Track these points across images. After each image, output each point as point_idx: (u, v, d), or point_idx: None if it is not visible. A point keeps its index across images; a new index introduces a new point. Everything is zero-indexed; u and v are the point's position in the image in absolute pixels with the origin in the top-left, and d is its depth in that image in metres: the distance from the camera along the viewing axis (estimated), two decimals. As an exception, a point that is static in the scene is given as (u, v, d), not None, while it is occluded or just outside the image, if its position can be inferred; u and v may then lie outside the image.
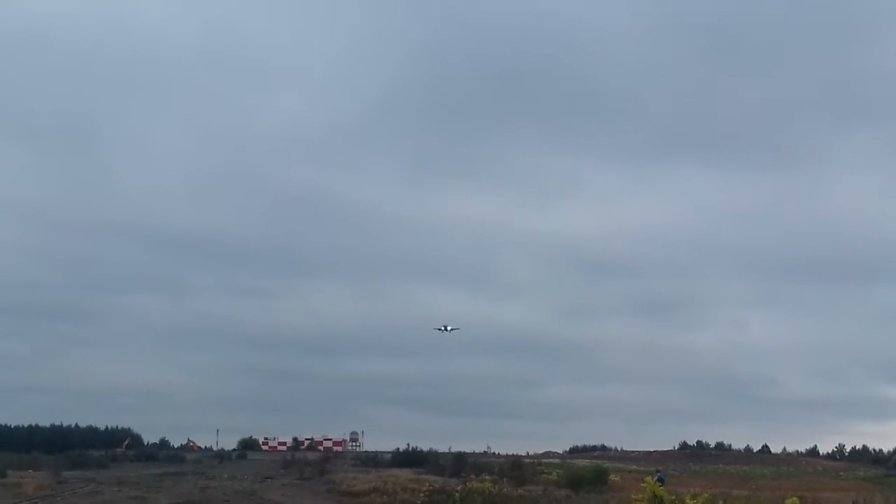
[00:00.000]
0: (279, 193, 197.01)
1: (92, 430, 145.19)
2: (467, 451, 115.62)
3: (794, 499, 42.03)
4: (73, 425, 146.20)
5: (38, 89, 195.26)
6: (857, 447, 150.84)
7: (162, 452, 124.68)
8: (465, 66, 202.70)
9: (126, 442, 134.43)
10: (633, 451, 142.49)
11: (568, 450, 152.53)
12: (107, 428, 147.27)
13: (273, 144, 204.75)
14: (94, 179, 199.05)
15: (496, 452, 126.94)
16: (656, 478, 38.00)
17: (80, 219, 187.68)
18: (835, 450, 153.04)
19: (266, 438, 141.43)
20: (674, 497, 37.85)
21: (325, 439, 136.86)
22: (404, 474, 71.81)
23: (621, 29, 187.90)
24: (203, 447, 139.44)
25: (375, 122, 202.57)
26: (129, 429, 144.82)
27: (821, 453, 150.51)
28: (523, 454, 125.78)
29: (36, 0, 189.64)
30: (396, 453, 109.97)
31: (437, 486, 56.20)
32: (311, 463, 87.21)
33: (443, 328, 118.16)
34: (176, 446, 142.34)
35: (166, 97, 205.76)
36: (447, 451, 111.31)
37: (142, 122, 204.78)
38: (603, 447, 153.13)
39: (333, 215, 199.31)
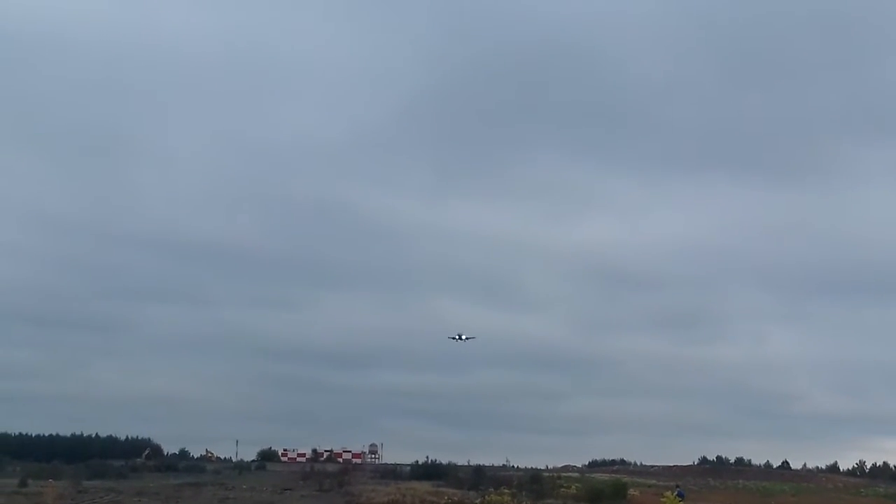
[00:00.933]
0: (299, 204, 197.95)
1: (112, 440, 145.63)
2: (486, 464, 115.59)
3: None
4: (93, 435, 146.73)
5: (58, 99, 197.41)
6: (878, 463, 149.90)
7: (181, 463, 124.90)
8: (486, 77, 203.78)
9: (146, 452, 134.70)
10: (652, 466, 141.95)
11: (587, 464, 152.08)
12: (127, 438, 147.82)
13: (295, 155, 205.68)
14: (116, 190, 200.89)
15: (515, 466, 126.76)
16: (676, 493, 37.95)
17: (101, 229, 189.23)
18: (855, 466, 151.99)
19: (285, 450, 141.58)
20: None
21: (344, 451, 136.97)
22: (423, 487, 71.77)
23: (645, 42, 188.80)
24: (221, 458, 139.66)
25: (397, 132, 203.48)
26: (148, 439, 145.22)
27: (841, 469, 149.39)
28: (542, 468, 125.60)
29: (57, 10, 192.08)
30: (416, 466, 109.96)
31: (456, 499, 56.29)
32: (331, 475, 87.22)
33: (457, 337, 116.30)
34: (195, 457, 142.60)
35: (188, 107, 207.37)
36: (466, 464, 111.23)
37: (164, 132, 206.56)
38: (622, 461, 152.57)
39: (355, 226, 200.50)
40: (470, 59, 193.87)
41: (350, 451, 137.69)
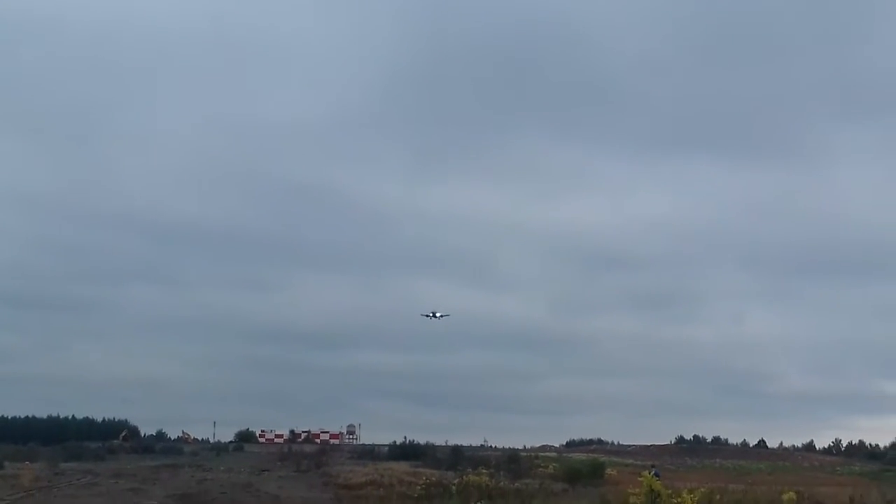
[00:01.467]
0: (280, 184, 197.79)
1: (89, 422, 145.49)
2: (464, 444, 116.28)
3: (791, 493, 42.03)
4: (70, 417, 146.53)
5: (40, 79, 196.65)
6: (854, 442, 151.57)
7: (158, 444, 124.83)
8: (469, 56, 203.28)
9: (123, 434, 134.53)
10: (629, 446, 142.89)
11: (565, 443, 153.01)
12: (104, 420, 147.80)
13: (274, 135, 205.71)
14: (95, 170, 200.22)
15: (493, 446, 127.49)
16: (652, 473, 38.09)
17: (80, 209, 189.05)
18: (831, 444, 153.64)
19: (263, 431, 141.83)
20: (670, 492, 37.92)
21: (322, 432, 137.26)
22: (401, 467, 71.74)
23: (628, 21, 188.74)
24: (199, 439, 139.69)
25: (378, 113, 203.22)
26: (125, 421, 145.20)
27: (817, 448, 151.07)
28: (520, 448, 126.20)
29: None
30: (393, 446, 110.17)
31: (434, 479, 56.16)
32: (308, 455, 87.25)
33: (431, 315, 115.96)
34: (173, 438, 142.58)
35: (170, 87, 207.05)
36: (444, 444, 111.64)
37: (145, 112, 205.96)
38: (600, 441, 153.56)
39: (334, 207, 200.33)
40: (453, 38, 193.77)
41: (328, 432, 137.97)
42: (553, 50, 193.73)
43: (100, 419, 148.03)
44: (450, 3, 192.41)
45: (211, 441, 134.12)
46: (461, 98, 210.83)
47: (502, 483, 54.21)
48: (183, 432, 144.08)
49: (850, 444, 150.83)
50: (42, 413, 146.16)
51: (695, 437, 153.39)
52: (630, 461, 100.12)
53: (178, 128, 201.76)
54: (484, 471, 60.88)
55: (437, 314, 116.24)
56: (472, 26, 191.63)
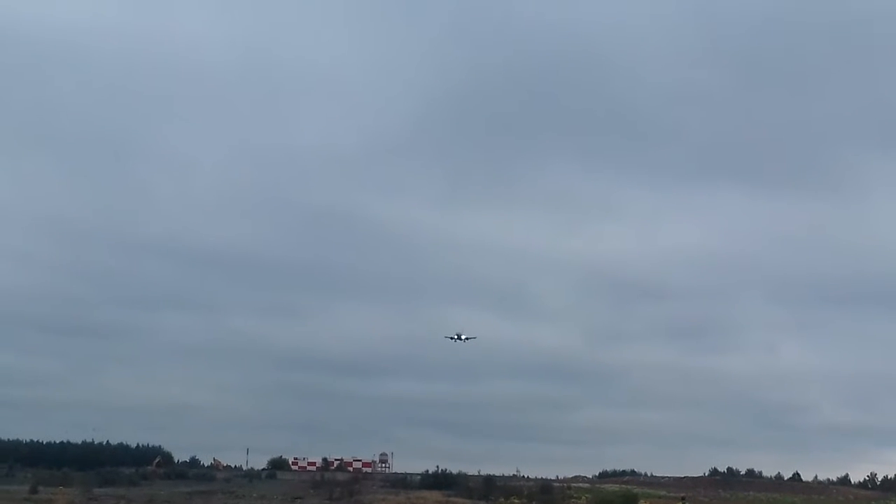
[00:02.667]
0: (313, 212, 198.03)
1: (123, 448, 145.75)
2: (496, 473, 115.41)
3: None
4: (104, 442, 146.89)
5: (74, 106, 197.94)
6: (890, 476, 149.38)
7: (192, 471, 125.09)
8: (500, 87, 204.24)
9: (156, 460, 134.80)
10: (663, 477, 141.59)
11: (598, 474, 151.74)
12: (138, 445, 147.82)
13: (308, 163, 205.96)
14: (130, 197, 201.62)
15: (525, 476, 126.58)
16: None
17: (115, 236, 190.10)
18: (867, 478, 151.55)
19: (296, 458, 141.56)
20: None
21: (354, 460, 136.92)
22: (433, 496, 71.86)
23: (658, 52, 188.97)
24: (232, 466, 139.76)
25: (411, 141, 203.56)
26: (159, 446, 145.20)
27: (852, 482, 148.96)
28: (552, 478, 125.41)
29: (73, 18, 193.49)
30: (426, 475, 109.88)
31: (466, 508, 56.22)
32: (341, 483, 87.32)
33: (455, 337, 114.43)
34: (206, 465, 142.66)
35: (203, 115, 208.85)
36: (476, 473, 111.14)
37: (178, 140, 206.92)
38: (633, 472, 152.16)
39: (367, 235, 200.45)
40: (483, 68, 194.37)
41: (360, 460, 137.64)
42: (583, 80, 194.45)
43: (134, 445, 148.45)
44: (482, 34, 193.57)
45: (244, 468, 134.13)
46: (492, 128, 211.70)
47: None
48: (214, 459, 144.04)
49: (885, 478, 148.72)
50: (77, 438, 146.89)
51: (728, 469, 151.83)
52: (663, 492, 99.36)
53: (211, 155, 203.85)
54: (516, 500, 60.89)
55: (463, 336, 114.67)
56: (503, 57, 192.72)
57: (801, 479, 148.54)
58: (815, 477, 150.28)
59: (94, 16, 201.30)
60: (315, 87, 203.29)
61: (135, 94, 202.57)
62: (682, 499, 57.88)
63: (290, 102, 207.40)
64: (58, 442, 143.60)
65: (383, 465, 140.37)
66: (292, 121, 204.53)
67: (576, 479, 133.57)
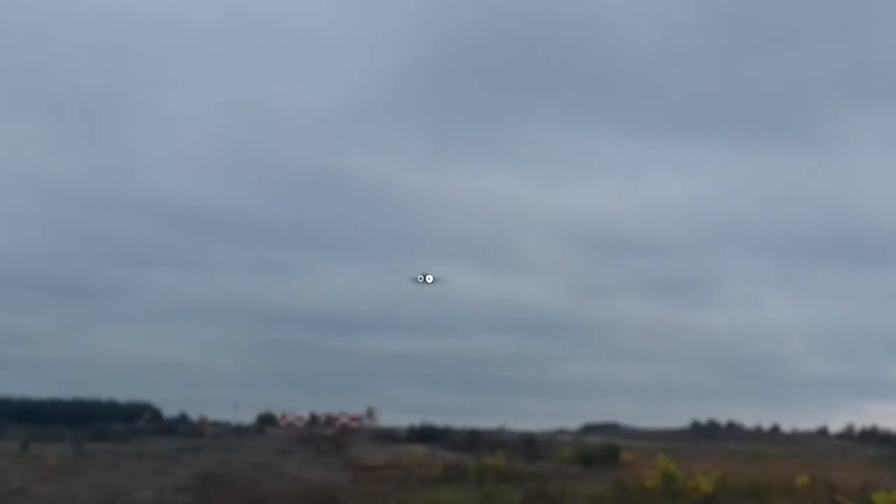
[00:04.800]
0: (299, 169, 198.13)
1: (112, 404, 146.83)
2: (481, 427, 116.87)
3: (805, 477, 42.84)
4: (94, 399, 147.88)
5: (60, 65, 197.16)
6: (867, 427, 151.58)
7: (181, 427, 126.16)
8: (485, 43, 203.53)
9: (146, 416, 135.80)
10: (645, 429, 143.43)
11: (581, 427, 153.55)
12: (127, 402, 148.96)
13: (294, 120, 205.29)
14: (116, 155, 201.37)
15: (510, 429, 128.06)
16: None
17: (101, 194, 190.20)
18: (845, 429, 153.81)
19: (284, 413, 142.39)
20: (685, 475, 38.83)
21: (341, 415, 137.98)
22: (419, 450, 72.55)
23: (640, 7, 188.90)
24: (219, 422, 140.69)
25: (395, 98, 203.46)
26: (148, 403, 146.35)
27: (831, 432, 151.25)
28: (536, 431, 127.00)
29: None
30: (412, 429, 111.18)
31: (452, 461, 57.20)
32: (328, 438, 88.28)
33: (422, 278, 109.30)
34: (195, 420, 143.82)
35: (188, 72, 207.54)
36: (462, 427, 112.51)
37: (164, 98, 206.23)
38: (616, 425, 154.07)
39: (353, 192, 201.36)
40: (468, 24, 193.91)
41: (347, 415, 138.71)
42: (567, 36, 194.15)
43: (123, 401, 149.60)
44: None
45: (232, 423, 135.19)
46: (476, 84, 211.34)
47: (519, 466, 55.14)
48: (200, 415, 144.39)
49: (863, 429, 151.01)
50: (67, 395, 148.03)
51: (710, 421, 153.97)
52: (645, 444, 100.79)
53: (198, 113, 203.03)
54: (501, 454, 61.74)
55: (430, 278, 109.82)
56: (486, 13, 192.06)
57: (780, 431, 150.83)
58: (795, 428, 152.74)
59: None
60: (301, 44, 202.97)
61: (121, 52, 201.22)
62: (664, 451, 59.01)
63: (275, 60, 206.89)
64: (48, 399, 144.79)
65: (370, 419, 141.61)
66: (277, 78, 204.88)
67: (559, 432, 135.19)
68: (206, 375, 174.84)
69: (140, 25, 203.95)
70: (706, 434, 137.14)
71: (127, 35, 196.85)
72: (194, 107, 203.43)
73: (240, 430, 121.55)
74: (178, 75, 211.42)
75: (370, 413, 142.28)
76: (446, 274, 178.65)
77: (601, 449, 74.85)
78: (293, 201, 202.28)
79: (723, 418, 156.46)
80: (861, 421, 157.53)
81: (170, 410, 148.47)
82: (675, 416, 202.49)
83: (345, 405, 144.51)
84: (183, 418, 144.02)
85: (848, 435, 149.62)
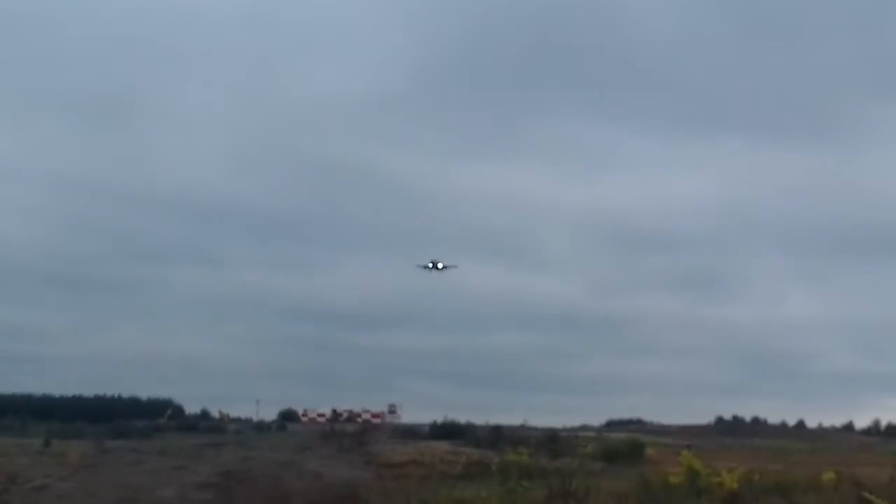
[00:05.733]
0: (320, 165, 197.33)
1: (134, 401, 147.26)
2: (504, 424, 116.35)
3: (831, 473, 42.34)
4: (116, 396, 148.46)
5: (80, 61, 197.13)
6: (894, 422, 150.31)
7: (203, 423, 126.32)
8: (506, 36, 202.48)
9: (168, 413, 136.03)
10: (669, 426, 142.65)
11: (604, 423, 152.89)
12: (149, 399, 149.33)
13: (315, 115, 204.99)
14: (137, 151, 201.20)
15: (533, 425, 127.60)
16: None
17: (122, 190, 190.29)
18: (870, 425, 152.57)
19: (305, 410, 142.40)
20: (710, 471, 38.36)
21: (363, 411, 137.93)
22: (442, 446, 72.46)
23: (662, 1, 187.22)
24: (241, 418, 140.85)
25: (417, 93, 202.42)
26: (170, 399, 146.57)
27: (856, 428, 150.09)
28: (559, 427, 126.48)
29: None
30: (434, 426, 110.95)
31: (475, 458, 57.02)
32: (350, 434, 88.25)
33: (431, 265, 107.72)
34: (216, 417, 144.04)
35: (208, 66, 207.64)
36: (484, 423, 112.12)
37: (183, 92, 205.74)
38: (639, 421, 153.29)
39: (374, 187, 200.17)
40: (490, 17, 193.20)
41: (369, 412, 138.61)
42: (589, 29, 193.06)
43: (145, 398, 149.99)
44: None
45: (254, 420, 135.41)
46: (497, 78, 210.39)
47: (542, 462, 54.81)
48: (220, 412, 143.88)
49: (889, 425, 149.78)
50: (89, 392, 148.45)
51: (734, 417, 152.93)
52: (669, 441, 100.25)
53: (218, 107, 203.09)
54: (524, 450, 61.41)
55: (440, 265, 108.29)
56: (506, 6, 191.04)
57: (805, 427, 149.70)
58: (820, 424, 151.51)
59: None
60: (320, 38, 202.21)
61: (141, 45, 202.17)
62: (688, 447, 58.41)
63: (295, 54, 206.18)
64: (70, 396, 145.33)
65: (393, 415, 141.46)
66: (297, 72, 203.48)
67: (583, 428, 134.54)
68: (228, 372, 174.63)
69: (160, 20, 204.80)
70: (730, 430, 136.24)
71: (147, 30, 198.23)
72: (215, 102, 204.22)
73: (261, 427, 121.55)
74: (199, 70, 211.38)
75: (392, 409, 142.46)
76: (465, 266, 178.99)
77: (625, 445, 74.47)
78: (314, 196, 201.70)
79: (747, 414, 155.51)
80: (887, 416, 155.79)
81: (191, 407, 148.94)
82: (699, 413, 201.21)
83: (367, 402, 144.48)
84: (205, 415, 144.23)
85: (874, 430, 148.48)
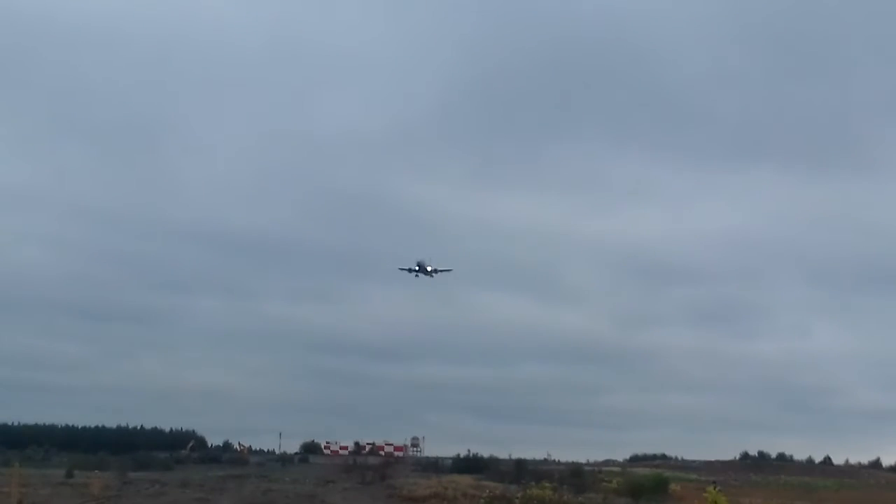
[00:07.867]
0: (343, 195, 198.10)
1: (157, 432, 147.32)
2: (527, 457, 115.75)
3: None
4: (138, 426, 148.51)
5: (105, 93, 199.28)
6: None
7: (225, 455, 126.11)
8: (530, 68, 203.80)
9: (190, 444, 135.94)
10: (693, 461, 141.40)
11: (628, 458, 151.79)
12: (171, 430, 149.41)
13: (337, 146, 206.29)
14: (160, 181, 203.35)
15: (556, 459, 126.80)
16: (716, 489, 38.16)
17: (146, 221, 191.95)
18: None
19: (328, 442, 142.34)
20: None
21: (386, 444, 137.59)
22: (465, 480, 72.01)
23: (690, 33, 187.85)
24: (263, 450, 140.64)
25: (439, 123, 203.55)
26: (193, 431, 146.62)
27: (884, 465, 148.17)
28: (583, 462, 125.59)
29: (104, 3, 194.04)
30: (457, 459, 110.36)
31: (498, 492, 56.58)
32: (373, 467, 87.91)
33: (416, 269, 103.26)
34: (238, 449, 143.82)
35: (231, 100, 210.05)
36: (507, 457, 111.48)
37: (207, 125, 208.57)
38: (664, 456, 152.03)
39: (397, 218, 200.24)
40: (512, 50, 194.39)
41: (392, 444, 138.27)
42: (613, 61, 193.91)
43: (167, 429, 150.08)
44: (511, 16, 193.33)
45: (276, 452, 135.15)
46: (521, 110, 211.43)
47: (565, 497, 54.37)
48: (240, 444, 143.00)
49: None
50: (111, 423, 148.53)
51: (760, 452, 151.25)
52: (694, 476, 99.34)
53: (241, 140, 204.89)
54: (547, 484, 60.95)
55: (429, 268, 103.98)
56: (530, 39, 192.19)
57: (832, 463, 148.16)
58: (847, 460, 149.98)
59: (125, 1, 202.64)
60: (343, 71, 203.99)
61: (165, 80, 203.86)
62: (714, 483, 57.79)
63: (318, 87, 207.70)
64: (93, 426, 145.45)
65: (415, 448, 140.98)
66: (321, 105, 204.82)
67: (606, 462, 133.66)
68: (251, 403, 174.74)
69: (185, 53, 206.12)
70: (756, 466, 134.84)
71: (172, 63, 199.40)
72: (237, 133, 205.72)
73: (284, 459, 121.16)
74: (223, 103, 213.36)
75: (415, 443, 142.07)
76: (488, 298, 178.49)
77: (650, 480, 73.69)
78: (337, 227, 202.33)
79: (773, 450, 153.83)
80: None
81: (214, 438, 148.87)
82: (724, 448, 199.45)
83: (389, 434, 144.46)
84: (227, 446, 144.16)
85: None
